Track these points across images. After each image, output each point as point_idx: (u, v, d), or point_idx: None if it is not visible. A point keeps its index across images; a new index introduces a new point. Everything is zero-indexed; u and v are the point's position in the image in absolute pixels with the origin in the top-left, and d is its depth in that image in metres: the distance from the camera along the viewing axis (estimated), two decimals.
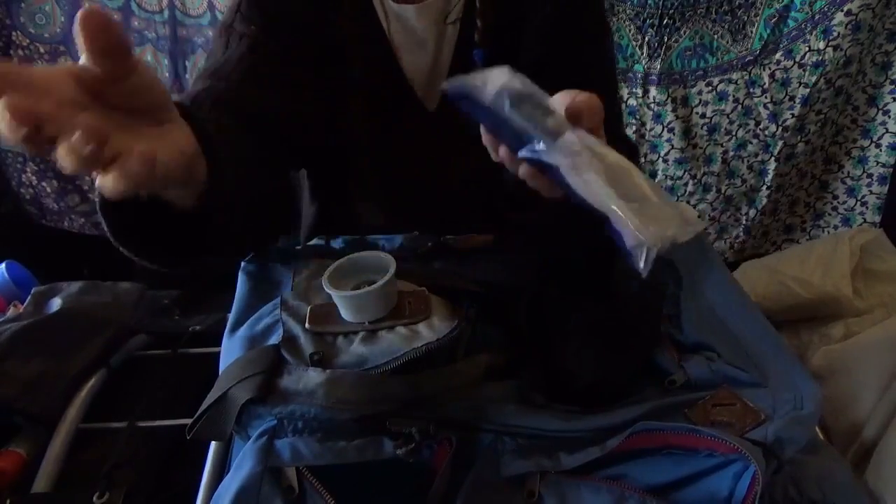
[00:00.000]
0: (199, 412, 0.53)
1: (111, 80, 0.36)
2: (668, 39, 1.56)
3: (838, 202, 1.68)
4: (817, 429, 0.57)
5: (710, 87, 1.59)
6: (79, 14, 0.33)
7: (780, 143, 1.59)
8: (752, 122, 1.61)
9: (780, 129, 1.58)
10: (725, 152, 1.65)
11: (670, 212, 0.46)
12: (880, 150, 1.57)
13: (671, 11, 1.53)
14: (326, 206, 0.88)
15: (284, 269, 0.72)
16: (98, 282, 1.11)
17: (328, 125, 0.75)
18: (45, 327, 0.94)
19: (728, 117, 1.61)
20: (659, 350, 0.63)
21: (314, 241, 0.78)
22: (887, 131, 1.55)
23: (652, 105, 1.62)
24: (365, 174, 0.81)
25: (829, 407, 1.09)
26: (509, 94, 0.48)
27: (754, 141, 1.62)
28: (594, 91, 0.50)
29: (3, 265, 1.30)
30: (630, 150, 0.81)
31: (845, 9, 1.42)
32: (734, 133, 1.63)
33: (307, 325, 0.58)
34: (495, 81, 0.49)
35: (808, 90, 1.51)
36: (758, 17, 1.52)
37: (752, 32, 1.53)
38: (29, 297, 1.04)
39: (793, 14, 1.48)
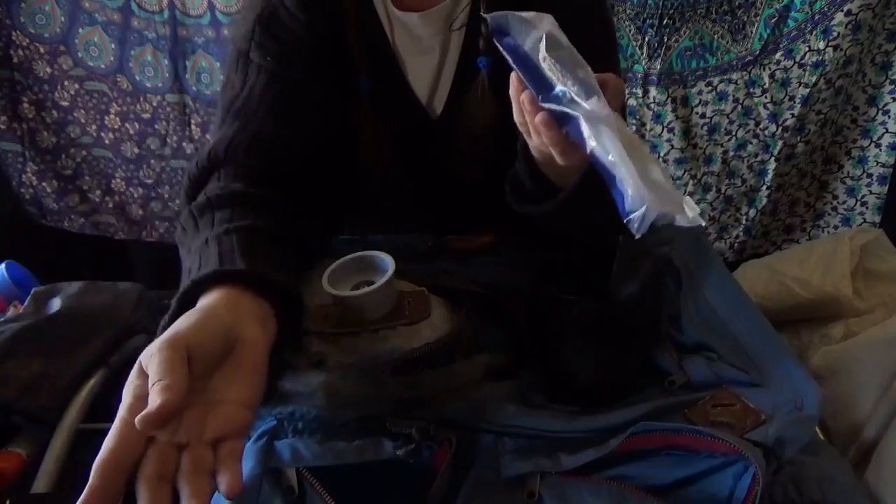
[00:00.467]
0: None
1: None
2: (668, 39, 1.55)
3: (838, 202, 1.68)
4: (817, 429, 0.57)
5: (710, 87, 1.59)
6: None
7: (780, 143, 1.59)
8: (752, 122, 1.61)
9: (780, 129, 1.58)
10: (725, 152, 1.65)
11: (674, 194, 0.47)
12: (880, 150, 1.57)
13: (671, 11, 1.52)
14: (330, 213, 0.89)
15: None
16: (98, 282, 1.11)
17: (342, 135, 0.76)
18: (45, 327, 0.94)
19: (728, 117, 1.61)
20: (659, 350, 0.63)
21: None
22: (887, 131, 1.55)
23: (652, 105, 1.61)
24: (371, 178, 0.81)
25: (829, 407, 1.09)
26: (549, 41, 0.49)
27: (754, 141, 1.62)
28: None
29: (3, 265, 1.30)
30: None
31: (845, 9, 1.42)
32: (734, 133, 1.63)
33: (307, 325, 0.58)
34: (540, 26, 0.50)
35: (808, 90, 1.51)
36: (758, 17, 1.52)
37: (752, 32, 1.53)
38: (29, 297, 1.04)
39: (793, 14, 1.48)
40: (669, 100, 1.60)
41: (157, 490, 0.38)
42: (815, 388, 0.54)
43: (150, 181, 1.76)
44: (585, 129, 0.49)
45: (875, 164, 1.59)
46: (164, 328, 0.44)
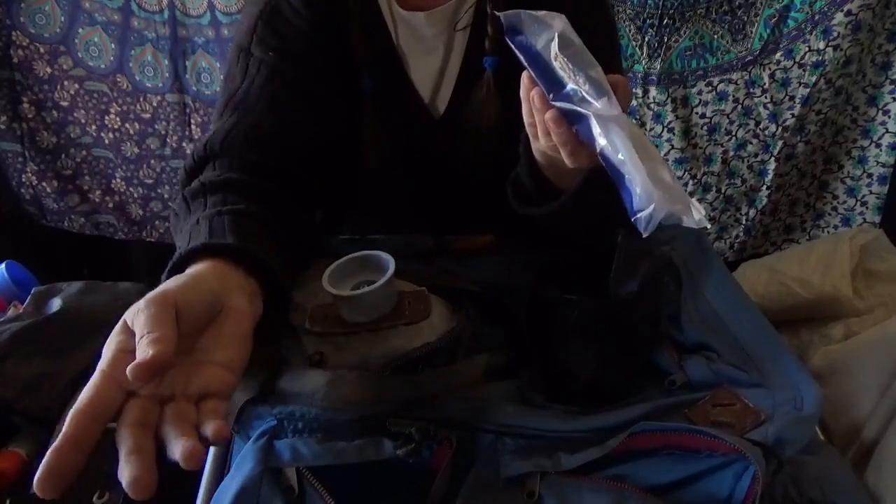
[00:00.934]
0: None
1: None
2: (668, 39, 1.56)
3: (838, 202, 1.68)
4: (817, 429, 0.57)
5: (710, 87, 1.59)
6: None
7: (780, 143, 1.59)
8: (752, 122, 1.61)
9: (780, 129, 1.58)
10: (725, 152, 1.65)
11: (682, 195, 0.48)
12: (880, 150, 1.57)
13: (671, 11, 1.52)
14: (332, 209, 0.89)
15: None
16: (98, 282, 1.11)
17: (344, 133, 0.76)
18: (45, 327, 0.94)
19: (728, 117, 1.61)
20: (659, 350, 0.63)
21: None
22: (887, 131, 1.55)
23: (652, 105, 1.62)
24: (372, 177, 0.81)
25: (829, 407, 1.09)
26: (562, 41, 0.50)
27: (754, 141, 1.62)
28: None
29: (3, 265, 1.30)
30: None
31: (845, 9, 1.42)
32: (734, 133, 1.63)
33: (307, 325, 0.58)
34: (553, 25, 0.51)
35: (808, 90, 1.51)
36: (758, 17, 1.52)
37: (752, 32, 1.53)
38: (29, 297, 1.04)
39: (793, 14, 1.48)
40: (669, 100, 1.60)
41: (140, 435, 0.38)
42: (815, 387, 0.54)
43: (150, 181, 1.76)
44: (596, 127, 0.49)
45: (875, 164, 1.59)
46: None
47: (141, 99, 1.68)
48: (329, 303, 0.59)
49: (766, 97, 1.56)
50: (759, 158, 1.64)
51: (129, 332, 0.40)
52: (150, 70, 1.65)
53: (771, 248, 1.76)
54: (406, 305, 0.59)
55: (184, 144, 1.72)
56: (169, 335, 0.39)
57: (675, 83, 1.60)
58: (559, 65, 0.50)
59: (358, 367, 0.54)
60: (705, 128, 1.63)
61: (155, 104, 1.69)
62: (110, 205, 1.79)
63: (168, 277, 0.47)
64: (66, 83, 1.66)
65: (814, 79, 1.50)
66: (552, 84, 0.51)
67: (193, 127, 1.70)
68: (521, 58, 0.53)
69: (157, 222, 1.80)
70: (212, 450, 0.69)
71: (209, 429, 0.38)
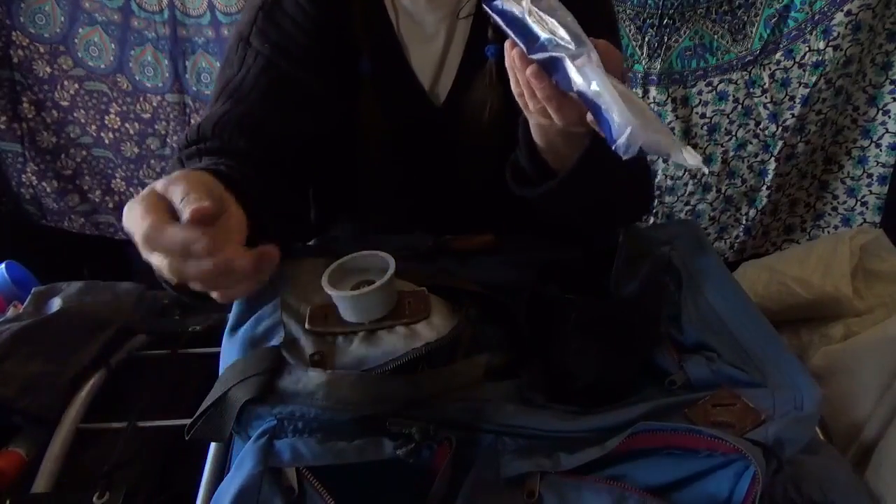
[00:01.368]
0: (198, 412, 0.53)
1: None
2: (668, 39, 1.55)
3: (838, 202, 1.68)
4: (817, 429, 0.57)
5: (710, 87, 1.59)
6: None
7: (780, 143, 1.59)
8: (752, 122, 1.61)
9: (780, 129, 1.58)
10: (725, 152, 1.65)
11: (666, 131, 0.49)
12: (880, 150, 1.57)
13: (671, 11, 1.52)
14: (329, 206, 0.89)
15: (284, 269, 0.72)
16: (98, 282, 1.11)
17: (341, 125, 0.76)
18: (45, 327, 0.94)
19: (728, 117, 1.61)
20: (659, 350, 0.63)
21: (314, 241, 0.78)
22: (887, 131, 1.55)
23: (652, 105, 1.61)
24: (371, 170, 0.81)
25: (829, 407, 1.09)
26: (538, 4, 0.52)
27: (754, 141, 1.62)
28: None
29: (3, 265, 1.30)
30: None
31: (845, 9, 1.42)
32: (734, 133, 1.63)
33: (307, 325, 0.58)
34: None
35: (808, 90, 1.51)
36: (758, 17, 1.52)
37: (752, 32, 1.53)
38: (29, 297, 1.04)
39: (793, 14, 1.48)
40: (669, 100, 1.60)
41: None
42: (814, 387, 0.54)
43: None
44: (571, 68, 0.50)
45: (875, 164, 1.59)
46: None
47: (141, 99, 1.68)
48: (329, 303, 0.59)
49: (766, 97, 1.56)
50: (759, 158, 1.64)
51: (156, 210, 0.42)
52: (150, 70, 1.65)
53: (771, 248, 1.76)
54: (406, 305, 0.59)
55: None
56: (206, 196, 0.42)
57: (675, 83, 1.60)
58: (533, 19, 0.52)
59: (358, 367, 0.54)
60: (705, 128, 1.63)
61: (155, 104, 1.69)
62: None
63: None
64: (66, 83, 1.66)
65: (814, 79, 1.50)
66: (529, 40, 0.53)
67: None
68: (499, 22, 0.54)
69: None
70: (212, 450, 0.69)
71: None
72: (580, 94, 0.51)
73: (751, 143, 1.63)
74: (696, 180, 1.68)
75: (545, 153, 0.66)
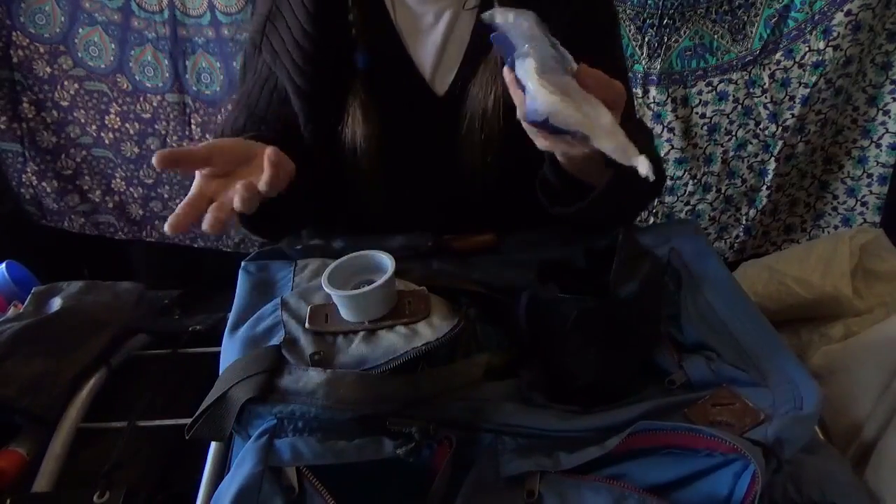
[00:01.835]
0: (198, 412, 0.53)
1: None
2: (668, 39, 1.55)
3: (838, 202, 1.68)
4: (817, 428, 0.57)
5: (710, 87, 1.59)
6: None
7: (780, 143, 1.59)
8: (752, 122, 1.61)
9: (780, 129, 1.58)
10: (725, 152, 1.65)
11: (622, 138, 0.51)
12: (880, 150, 1.57)
13: (671, 11, 1.52)
14: (327, 204, 0.88)
15: (284, 268, 0.72)
16: (98, 282, 1.11)
17: (340, 117, 0.77)
18: (45, 327, 0.94)
19: (728, 117, 1.61)
20: (659, 350, 0.63)
21: (314, 241, 0.78)
22: (887, 131, 1.55)
23: (652, 105, 1.61)
24: (371, 162, 0.81)
25: (829, 407, 1.09)
26: (526, 24, 0.53)
27: (754, 141, 1.62)
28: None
29: (3, 265, 1.30)
30: (645, 131, 0.83)
31: (845, 9, 1.42)
32: (734, 133, 1.63)
33: (307, 325, 0.58)
34: (521, 18, 0.54)
35: (808, 90, 1.51)
36: (758, 17, 1.52)
37: (752, 32, 1.53)
38: (29, 297, 1.04)
39: (793, 14, 1.48)
40: (669, 100, 1.60)
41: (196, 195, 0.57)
42: (814, 387, 0.54)
43: (150, 181, 1.76)
44: (520, 66, 0.53)
45: (875, 164, 1.59)
46: None
47: (141, 99, 1.68)
48: (329, 303, 0.59)
49: (766, 97, 1.56)
50: (759, 158, 1.64)
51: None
52: (150, 70, 1.65)
53: (771, 248, 1.76)
54: (406, 305, 0.59)
55: (184, 144, 1.72)
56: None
57: (675, 83, 1.60)
58: (519, 42, 0.54)
59: (358, 366, 0.54)
60: (705, 128, 1.63)
61: (155, 104, 1.69)
62: (110, 205, 1.79)
63: None
64: (66, 83, 1.66)
65: (814, 79, 1.50)
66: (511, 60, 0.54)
67: (193, 127, 1.70)
68: (500, 46, 0.56)
69: (156, 222, 1.80)
70: (212, 450, 0.69)
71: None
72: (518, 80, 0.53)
73: (751, 143, 1.63)
74: (696, 180, 1.68)
75: (569, 168, 0.67)
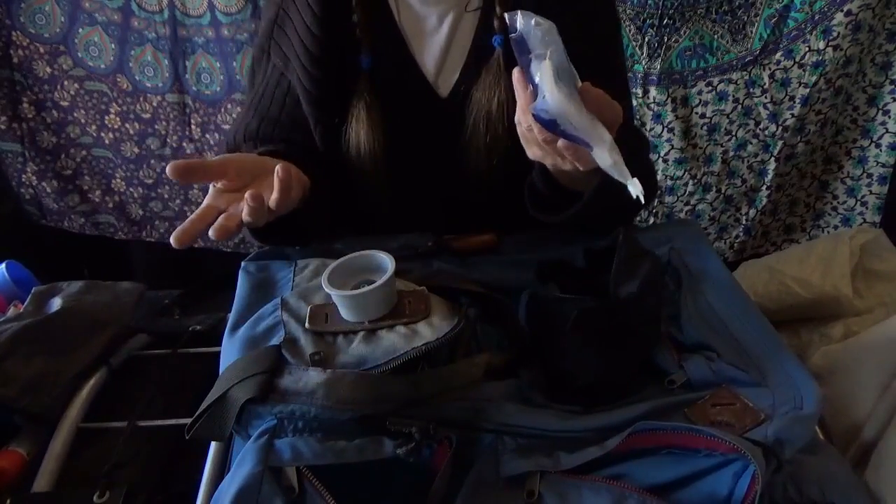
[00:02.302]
0: (198, 412, 0.53)
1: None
2: (668, 39, 1.55)
3: (838, 202, 1.68)
4: (817, 428, 0.57)
5: (710, 87, 1.59)
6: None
7: (780, 143, 1.59)
8: (752, 122, 1.61)
9: (780, 129, 1.58)
10: (725, 152, 1.65)
11: (622, 166, 0.53)
12: (880, 150, 1.57)
13: (671, 11, 1.52)
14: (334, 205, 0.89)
15: (284, 268, 0.72)
16: (98, 282, 1.10)
17: (345, 118, 0.78)
18: (45, 327, 0.93)
19: (728, 117, 1.61)
20: (659, 350, 0.63)
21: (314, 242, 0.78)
22: (887, 131, 1.55)
23: (652, 105, 1.62)
24: (375, 163, 0.81)
25: (829, 407, 1.09)
26: (546, 30, 0.54)
27: (754, 141, 1.62)
28: (616, 86, 0.62)
29: (3, 265, 1.30)
30: (641, 139, 0.83)
31: (845, 9, 1.42)
32: (734, 133, 1.63)
33: (307, 325, 0.58)
34: (543, 24, 0.54)
35: (808, 90, 1.51)
36: (758, 17, 1.52)
37: (752, 32, 1.53)
38: (29, 297, 1.04)
39: (793, 14, 1.48)
40: (669, 100, 1.60)
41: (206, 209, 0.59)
42: (814, 387, 0.54)
43: (150, 181, 1.76)
44: (532, 65, 0.54)
45: (875, 164, 1.59)
46: None
47: (141, 99, 1.68)
48: (329, 303, 0.59)
49: (766, 97, 1.56)
50: (759, 158, 1.64)
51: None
52: (150, 70, 1.65)
53: (771, 248, 1.76)
54: (406, 305, 0.59)
55: (184, 144, 1.72)
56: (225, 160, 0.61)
57: (675, 83, 1.60)
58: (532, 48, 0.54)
59: (358, 366, 0.54)
60: (705, 128, 1.63)
61: (155, 104, 1.69)
62: (110, 205, 1.79)
63: None
64: (66, 83, 1.66)
65: (814, 79, 1.50)
66: (525, 64, 0.55)
67: (193, 127, 1.70)
68: (514, 49, 0.56)
69: (156, 222, 1.80)
70: (212, 450, 0.69)
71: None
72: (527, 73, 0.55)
73: (751, 143, 1.63)
74: (696, 180, 1.68)
75: (559, 178, 0.68)
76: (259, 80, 0.82)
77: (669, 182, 1.69)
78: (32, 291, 1.06)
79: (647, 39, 1.56)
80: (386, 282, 0.57)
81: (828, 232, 1.70)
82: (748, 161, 1.65)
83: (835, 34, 1.45)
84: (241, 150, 0.80)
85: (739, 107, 1.60)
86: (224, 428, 0.52)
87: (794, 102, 1.54)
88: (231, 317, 0.65)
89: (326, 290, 0.57)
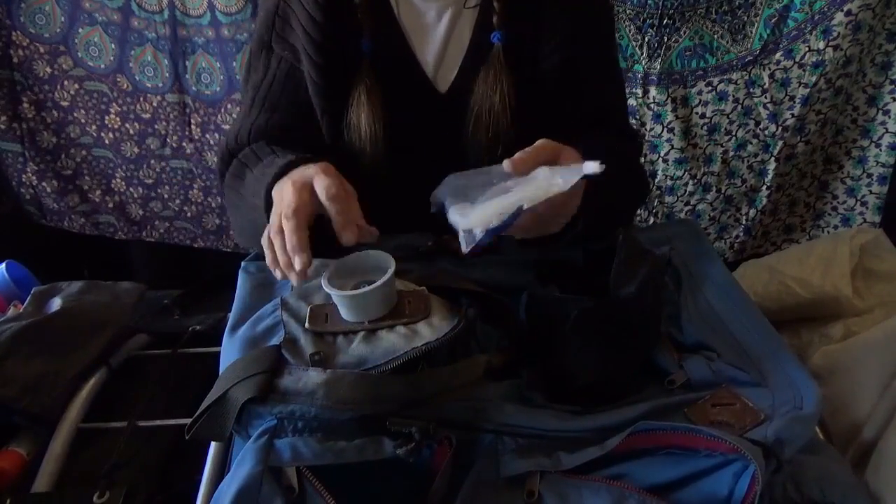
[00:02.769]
0: (198, 412, 0.53)
1: None
2: (667, 39, 1.55)
3: (838, 202, 1.68)
4: (817, 428, 0.57)
5: (710, 87, 1.59)
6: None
7: (780, 143, 1.59)
8: (752, 122, 1.61)
9: (780, 129, 1.58)
10: (725, 152, 1.65)
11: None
12: (880, 150, 1.57)
13: (671, 11, 1.52)
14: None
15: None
16: (98, 282, 1.11)
17: (347, 102, 0.78)
18: (45, 327, 0.93)
19: (728, 117, 1.61)
20: (659, 350, 0.63)
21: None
22: (887, 131, 1.55)
23: (652, 105, 1.61)
24: (375, 149, 0.81)
25: (829, 407, 1.09)
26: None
27: (754, 141, 1.62)
28: (610, 87, 0.65)
29: (3, 265, 1.30)
30: (630, 140, 0.83)
31: (845, 9, 1.42)
32: (734, 133, 1.63)
33: (307, 325, 0.58)
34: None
35: (808, 90, 1.51)
36: (758, 17, 1.52)
37: (752, 32, 1.53)
38: (29, 297, 1.04)
39: (793, 14, 1.48)
40: (669, 100, 1.60)
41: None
42: (814, 387, 0.54)
43: (150, 181, 1.76)
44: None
45: (875, 164, 1.59)
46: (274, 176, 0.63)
47: (141, 99, 1.68)
48: (329, 303, 0.59)
49: (766, 97, 1.56)
50: (759, 158, 1.64)
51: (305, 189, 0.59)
52: (150, 70, 1.65)
53: (771, 248, 1.76)
54: (406, 305, 0.59)
55: (184, 144, 1.72)
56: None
57: (675, 83, 1.60)
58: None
59: (358, 366, 0.54)
60: (705, 128, 1.63)
61: (155, 104, 1.69)
62: (110, 205, 1.79)
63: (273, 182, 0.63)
64: (66, 83, 1.66)
65: (814, 79, 1.50)
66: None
67: (193, 127, 1.70)
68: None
69: (156, 222, 1.80)
70: (212, 450, 0.69)
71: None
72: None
73: (751, 143, 1.63)
74: (696, 180, 1.68)
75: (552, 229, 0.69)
76: (260, 75, 0.80)
77: (669, 182, 1.69)
78: (32, 291, 1.06)
79: (647, 39, 1.56)
80: (386, 282, 0.57)
81: (828, 232, 1.70)
82: (748, 161, 1.65)
83: (835, 34, 1.45)
84: (246, 150, 0.77)
85: (739, 107, 1.60)
86: (224, 428, 0.52)
87: (794, 102, 1.54)
88: (231, 317, 0.65)
89: (326, 290, 0.57)
